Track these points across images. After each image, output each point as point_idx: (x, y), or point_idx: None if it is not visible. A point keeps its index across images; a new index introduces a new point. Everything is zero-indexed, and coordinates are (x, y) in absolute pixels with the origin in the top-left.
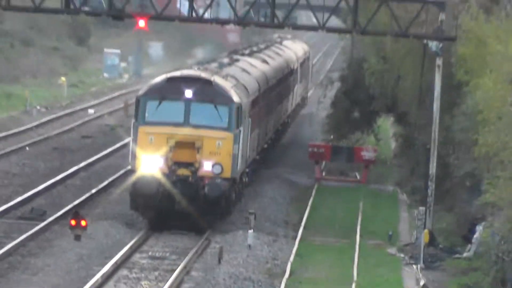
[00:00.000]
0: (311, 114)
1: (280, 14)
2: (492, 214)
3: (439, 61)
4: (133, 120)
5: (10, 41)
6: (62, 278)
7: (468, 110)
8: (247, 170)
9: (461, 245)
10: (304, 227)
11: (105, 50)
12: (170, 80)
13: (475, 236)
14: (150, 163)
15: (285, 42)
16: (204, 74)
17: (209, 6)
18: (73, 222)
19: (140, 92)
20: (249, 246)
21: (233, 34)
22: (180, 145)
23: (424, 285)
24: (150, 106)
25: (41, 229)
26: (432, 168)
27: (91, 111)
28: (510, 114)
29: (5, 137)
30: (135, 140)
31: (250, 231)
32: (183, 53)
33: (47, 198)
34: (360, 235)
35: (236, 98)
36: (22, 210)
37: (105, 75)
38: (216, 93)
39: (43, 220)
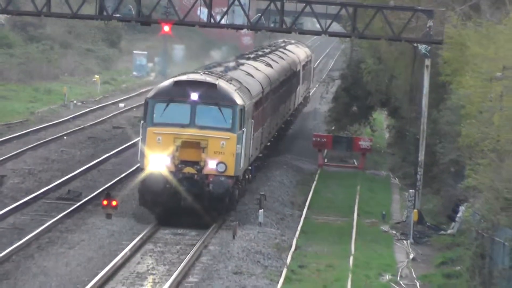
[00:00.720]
0: (315, 109)
1: (288, 20)
2: (473, 197)
3: (427, 62)
4: (141, 121)
5: (51, 44)
6: (95, 252)
7: (453, 105)
8: (250, 167)
9: (446, 224)
10: (308, 207)
11: (134, 52)
12: (177, 83)
13: (458, 215)
14: (157, 162)
15: (289, 47)
16: (209, 78)
17: (226, 13)
18: (105, 202)
19: (149, 95)
20: (260, 223)
21: (246, 38)
22: (186, 145)
23: (413, 258)
24: (158, 108)
25: (76, 208)
26: (421, 156)
27: (121, 105)
28: (489, 108)
29: (46, 128)
30: (143, 140)
31: (261, 211)
32: (202, 54)
33: (82, 181)
34: (358, 214)
35: (239, 101)
36: (60, 192)
37: (134, 73)
38: (220, 96)
39: (79, 201)
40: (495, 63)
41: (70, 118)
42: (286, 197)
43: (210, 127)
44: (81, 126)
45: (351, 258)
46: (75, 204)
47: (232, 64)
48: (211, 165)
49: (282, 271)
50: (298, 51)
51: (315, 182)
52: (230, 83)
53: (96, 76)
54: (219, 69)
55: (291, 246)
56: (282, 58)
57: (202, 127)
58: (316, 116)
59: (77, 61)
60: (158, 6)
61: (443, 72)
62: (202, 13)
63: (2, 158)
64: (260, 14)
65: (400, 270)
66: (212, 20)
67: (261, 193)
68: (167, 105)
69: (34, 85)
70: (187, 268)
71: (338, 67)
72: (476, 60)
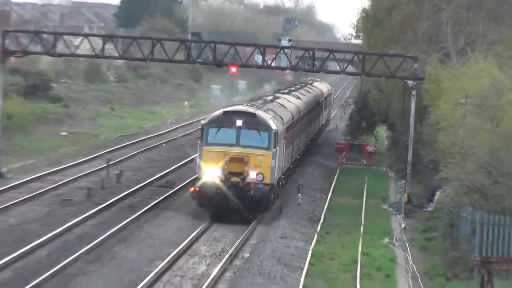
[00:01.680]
0: (336, 125)
1: (317, 63)
2: (445, 185)
3: (414, 93)
4: (199, 142)
5: (154, 80)
6: (184, 223)
7: (431, 122)
8: (283, 176)
9: (426, 204)
10: (332, 192)
11: (212, 86)
12: (225, 113)
13: (435, 198)
14: (211, 173)
15: (315, 84)
16: (250, 109)
17: (274, 59)
18: (191, 189)
19: (204, 122)
20: (298, 204)
21: (288, 75)
22: (233, 160)
23: (404, 227)
24: (211, 132)
25: (172, 193)
26: (409, 157)
27: (202, 121)
28: (456, 124)
29: (150, 138)
30: (200, 156)
31: (299, 195)
32: (258, 87)
33: (176, 174)
34: (366, 197)
35: (273, 126)
36: (161, 181)
37: (212, 101)
38: (258, 123)
39: (173, 188)
40: (460, 93)
41: (167, 131)
42: (316, 185)
43: (251, 146)
44: (175, 137)
45: (361, 227)
46: (171, 190)
47: (270, 97)
48: (252, 175)
49: (314, 236)
50: (321, 86)
51: (336, 175)
52: (267, 113)
53: (186, 102)
54: (260, 101)
55: (320, 219)
56: (309, 92)
57: (245, 146)
58: (337, 130)
59: (172, 92)
60: (228, 54)
61: (425, 99)
62: (258, 58)
63: (121, 158)
64: (298, 60)
65: (395, 235)
66: (265, 63)
67: (300, 183)
68: (218, 130)
69: (142, 108)
70: (248, 234)
71: (352, 95)
72: (447, 91)
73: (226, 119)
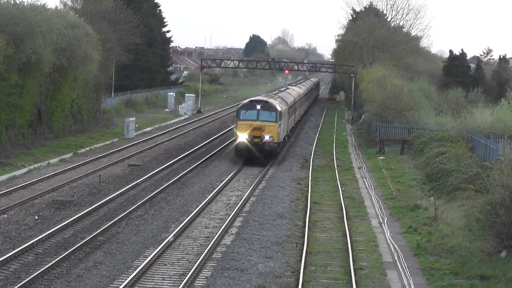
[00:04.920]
0: (324, 96)
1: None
2: (366, 112)
3: (353, 78)
4: (235, 118)
5: (256, 76)
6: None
7: (360, 91)
8: (286, 136)
9: (359, 119)
10: (324, 115)
11: (279, 78)
12: (251, 101)
13: (362, 116)
14: (242, 136)
15: (311, 78)
16: (265, 98)
17: (302, 67)
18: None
19: (238, 106)
20: (312, 117)
21: (307, 73)
22: (255, 129)
23: (350, 128)
24: (242, 112)
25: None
26: (352, 102)
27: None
28: (368, 90)
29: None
30: (236, 127)
31: (311, 117)
32: (295, 78)
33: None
34: (337, 117)
35: (279, 108)
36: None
37: (278, 84)
38: (270, 106)
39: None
40: (370, 78)
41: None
42: (316, 114)
43: (265, 120)
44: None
45: (335, 129)
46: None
47: (283, 88)
48: (267, 137)
49: (317, 131)
50: (314, 79)
51: (325, 110)
52: (276, 100)
53: (268, 84)
54: (275, 92)
55: (319, 126)
56: (307, 83)
57: (262, 120)
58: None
59: (263, 80)
60: (284, 65)
61: (358, 81)
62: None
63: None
64: (310, 67)
65: (347, 131)
66: (298, 69)
67: (311, 114)
68: (246, 111)
69: (255, 88)
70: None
71: (329, 81)
72: (365, 78)
73: (251, 104)
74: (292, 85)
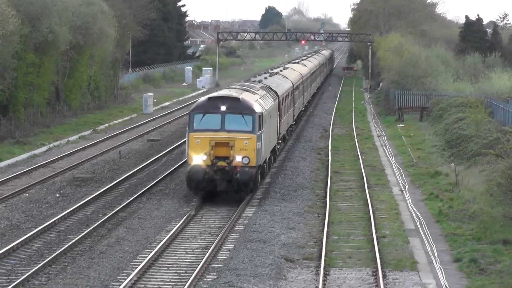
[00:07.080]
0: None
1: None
2: (384, 81)
3: (370, 47)
4: (187, 128)
5: (273, 47)
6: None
7: (377, 58)
8: (285, 134)
9: (377, 87)
10: (337, 104)
11: (296, 48)
12: (210, 99)
13: (380, 84)
14: (197, 158)
15: (322, 52)
16: (234, 93)
17: (319, 37)
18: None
19: (191, 109)
20: (330, 88)
21: (324, 43)
22: (219, 144)
23: (369, 97)
24: (196, 118)
25: None
26: (370, 70)
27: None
28: (386, 58)
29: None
30: (187, 142)
31: (330, 87)
32: (312, 47)
33: None
34: (355, 86)
35: (258, 109)
36: None
37: (295, 54)
38: (242, 107)
39: None
40: (387, 46)
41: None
42: (334, 83)
43: (236, 130)
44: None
45: (353, 97)
46: None
47: (276, 70)
48: (238, 159)
49: (336, 101)
50: (325, 52)
51: (342, 79)
52: (255, 94)
53: (286, 55)
54: (260, 77)
55: (337, 95)
56: (315, 58)
57: (230, 131)
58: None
59: (279, 52)
60: (301, 36)
61: (374, 50)
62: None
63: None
64: (326, 37)
65: (366, 100)
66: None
67: (329, 84)
68: (203, 116)
69: (270, 58)
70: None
71: (346, 50)
72: (382, 46)
73: (211, 105)
74: (295, 62)
